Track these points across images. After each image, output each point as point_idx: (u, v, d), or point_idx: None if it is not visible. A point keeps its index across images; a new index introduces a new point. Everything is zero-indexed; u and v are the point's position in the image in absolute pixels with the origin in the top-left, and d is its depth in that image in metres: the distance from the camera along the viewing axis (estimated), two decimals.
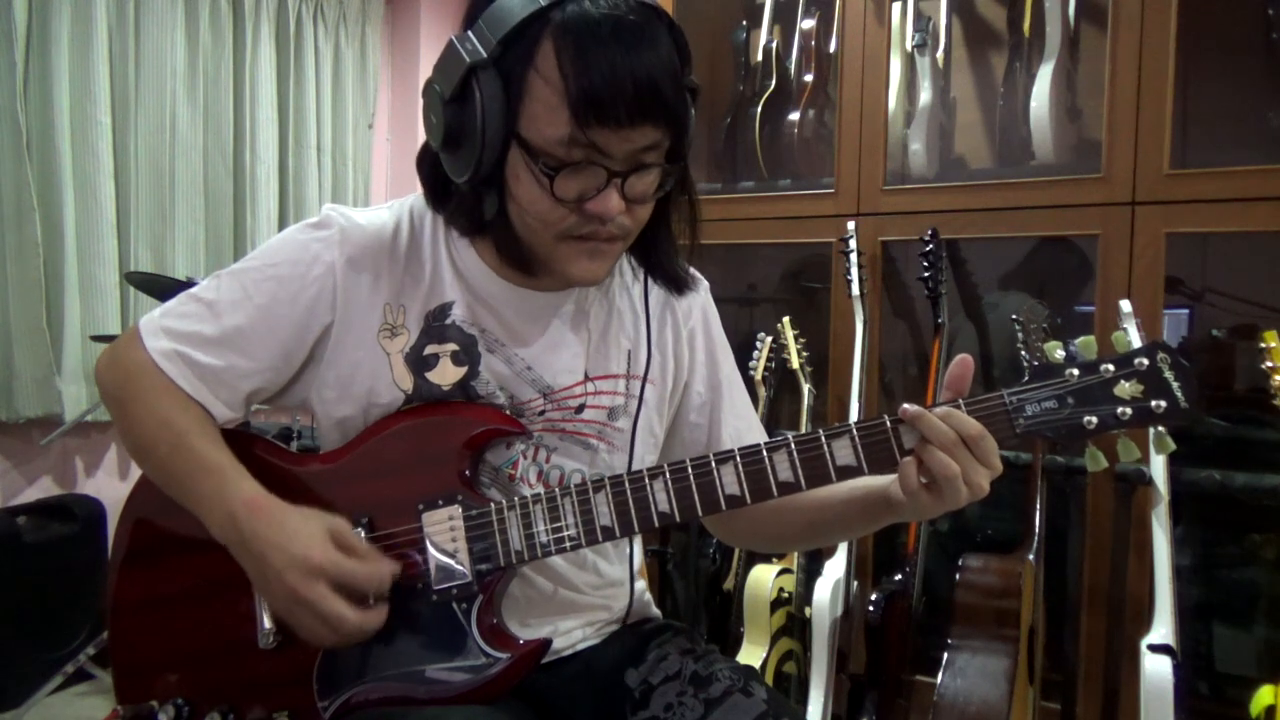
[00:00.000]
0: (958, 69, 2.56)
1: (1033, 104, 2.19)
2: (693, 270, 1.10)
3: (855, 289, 2.23)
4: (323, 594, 0.85)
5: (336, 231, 0.97)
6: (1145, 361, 0.84)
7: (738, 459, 0.89)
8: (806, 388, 2.40)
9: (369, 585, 0.88)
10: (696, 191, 0.99)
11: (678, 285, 1.06)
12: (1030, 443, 1.98)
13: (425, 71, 0.97)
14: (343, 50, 3.42)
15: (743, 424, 1.12)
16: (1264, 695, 1.69)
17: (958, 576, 1.91)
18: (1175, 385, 0.84)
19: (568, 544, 0.92)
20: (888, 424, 0.87)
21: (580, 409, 1.02)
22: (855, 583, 2.25)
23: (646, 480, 0.90)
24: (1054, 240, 2.30)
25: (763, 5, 2.69)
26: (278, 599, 0.88)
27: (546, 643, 0.94)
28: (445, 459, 0.95)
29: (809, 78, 2.60)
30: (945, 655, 1.84)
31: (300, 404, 1.02)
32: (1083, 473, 2.05)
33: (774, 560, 2.34)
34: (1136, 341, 0.95)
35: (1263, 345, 1.73)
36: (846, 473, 0.88)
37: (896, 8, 2.34)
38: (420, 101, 0.93)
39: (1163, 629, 1.74)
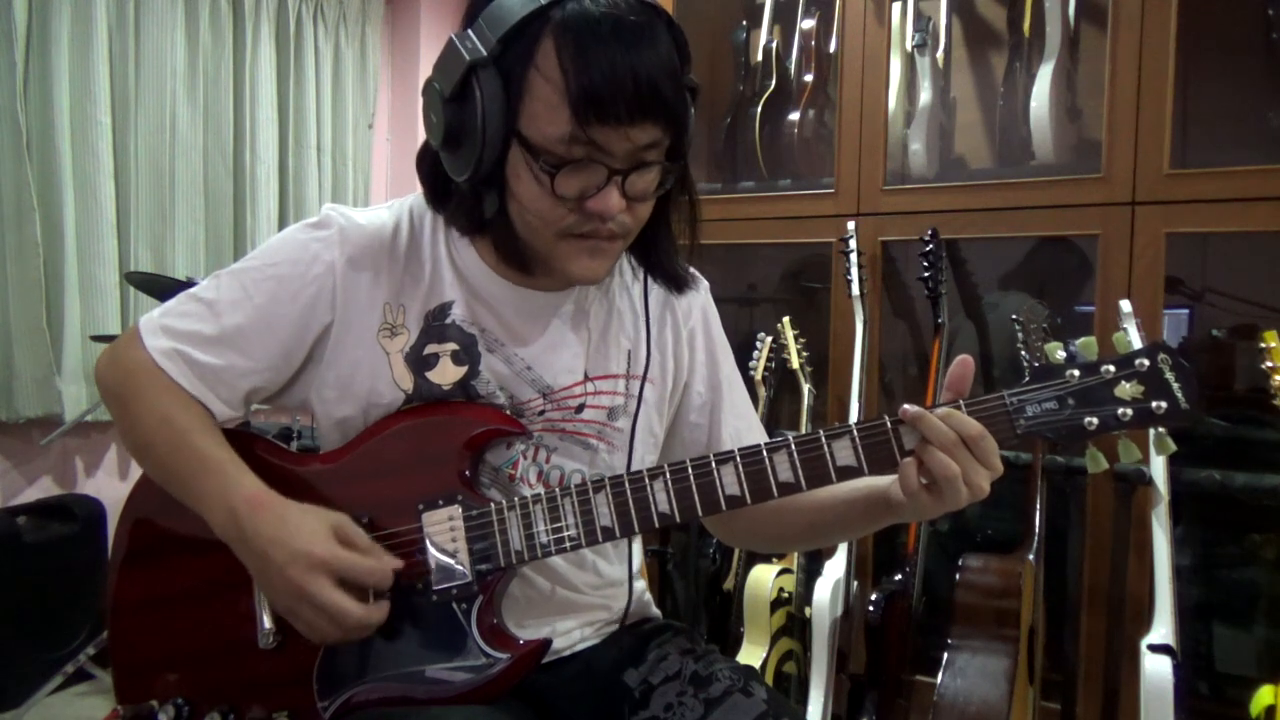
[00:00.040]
0: (958, 69, 2.56)
1: (1033, 104, 2.19)
2: (693, 270, 1.10)
3: (855, 289, 2.23)
4: (326, 588, 0.85)
5: (336, 231, 0.97)
6: (1146, 362, 0.84)
7: (738, 459, 0.89)
8: (806, 388, 2.40)
9: (372, 579, 0.88)
10: (697, 191, 0.99)
11: (677, 284, 1.06)
12: (1030, 443, 1.98)
13: (425, 71, 0.97)
14: (343, 50, 3.42)
15: (743, 424, 1.12)
16: (1264, 695, 1.69)
17: (958, 576, 1.91)
18: (1176, 386, 0.84)
19: (568, 544, 0.92)
20: (888, 424, 0.87)
21: (580, 409, 1.02)
22: (855, 583, 2.25)
23: (646, 481, 0.90)
24: (1054, 240, 2.30)
25: (763, 5, 2.69)
26: (280, 594, 0.88)
27: (546, 643, 0.94)
28: (445, 459, 0.95)
29: (809, 78, 2.60)
30: (945, 655, 1.84)
31: (300, 404, 1.02)
32: (1083, 473, 2.04)
33: (774, 560, 2.34)
34: (1137, 342, 0.95)
35: (1263, 345, 1.73)
36: (847, 473, 0.88)
37: (896, 8, 2.34)
38: (420, 101, 0.93)
39: (1163, 629, 1.74)
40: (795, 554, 2.33)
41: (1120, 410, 0.84)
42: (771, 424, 2.48)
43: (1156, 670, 1.70)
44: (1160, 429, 0.86)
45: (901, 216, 2.29)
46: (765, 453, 0.89)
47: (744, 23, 2.79)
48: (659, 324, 1.08)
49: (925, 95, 2.39)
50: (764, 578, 2.27)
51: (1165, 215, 1.98)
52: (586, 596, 1.06)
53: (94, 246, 2.68)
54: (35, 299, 2.55)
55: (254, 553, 0.88)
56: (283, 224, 3.17)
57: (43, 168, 2.58)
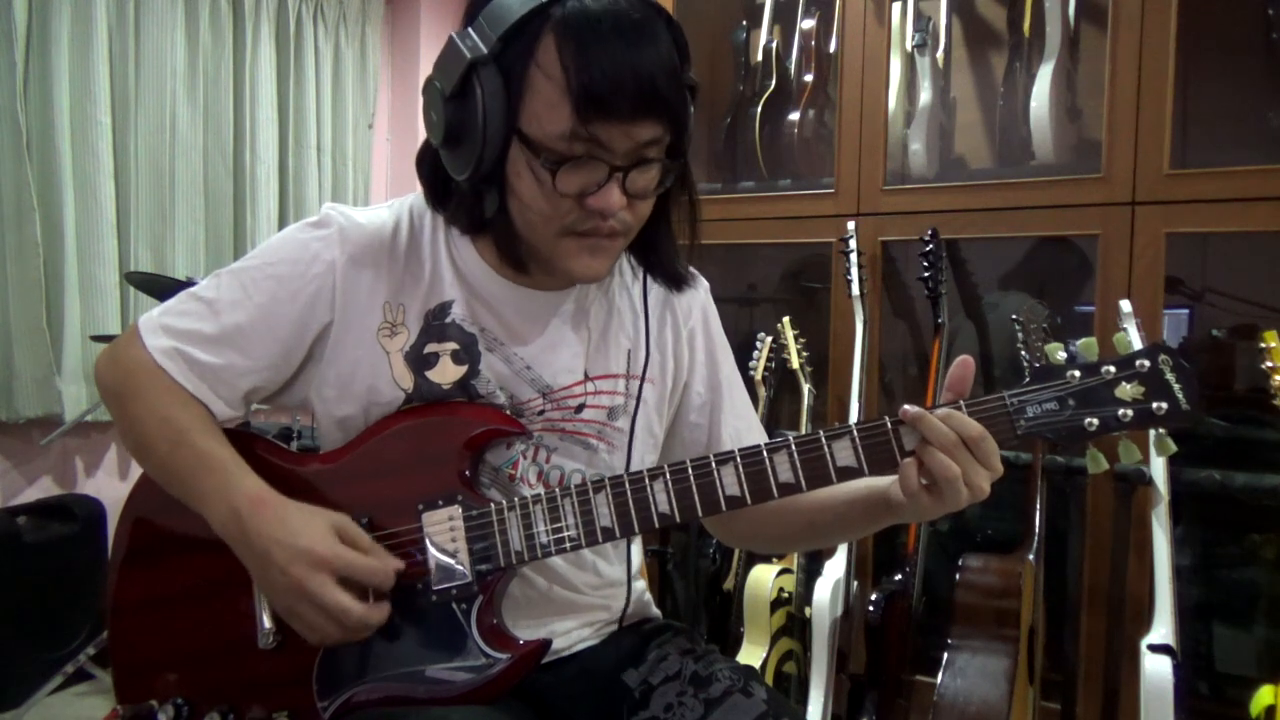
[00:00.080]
0: (958, 69, 2.56)
1: (1033, 104, 2.19)
2: (693, 270, 1.10)
3: (855, 289, 2.23)
4: (328, 587, 0.85)
5: (336, 230, 0.97)
6: (1146, 363, 0.84)
7: (738, 460, 0.89)
8: (806, 388, 2.40)
9: (374, 579, 0.88)
10: (697, 190, 1.00)
11: (677, 282, 1.06)
12: (1030, 443, 1.97)
13: (425, 71, 0.97)
14: (343, 50, 3.42)
15: (743, 424, 1.12)
16: (1264, 695, 1.69)
17: (958, 576, 1.91)
18: (1176, 387, 0.84)
19: (568, 544, 0.92)
20: (888, 425, 0.86)
21: (580, 408, 1.02)
22: (855, 583, 2.25)
23: (646, 481, 0.90)
24: (1054, 240, 2.30)
25: (763, 5, 2.69)
26: (280, 594, 0.88)
27: (546, 643, 0.94)
28: (445, 459, 0.95)
29: (809, 78, 2.60)
30: (945, 655, 1.84)
31: (300, 403, 1.02)
32: (1083, 473, 2.04)
33: (774, 560, 2.34)
34: (1137, 342, 0.95)
35: (1263, 345, 1.73)
36: (847, 474, 0.88)
37: (896, 8, 2.34)
38: (420, 101, 0.93)
39: (1163, 629, 1.74)
40: (795, 554, 2.33)
41: (1121, 411, 0.84)
42: (771, 424, 2.48)
43: (1156, 670, 1.70)
44: (1161, 430, 0.86)
45: (901, 216, 2.28)
46: (765, 453, 0.88)
47: (744, 23, 2.79)
48: (659, 323, 1.08)
49: (925, 95, 2.39)
50: (764, 578, 2.27)
51: (1165, 215, 1.98)
52: (586, 597, 1.06)
53: (94, 246, 2.67)
54: (35, 299, 2.55)
55: (255, 552, 0.88)
56: (283, 224, 3.17)
57: (43, 168, 2.58)
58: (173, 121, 2.86)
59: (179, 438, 0.93)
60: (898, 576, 2.12)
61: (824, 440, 0.88)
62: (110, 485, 2.86)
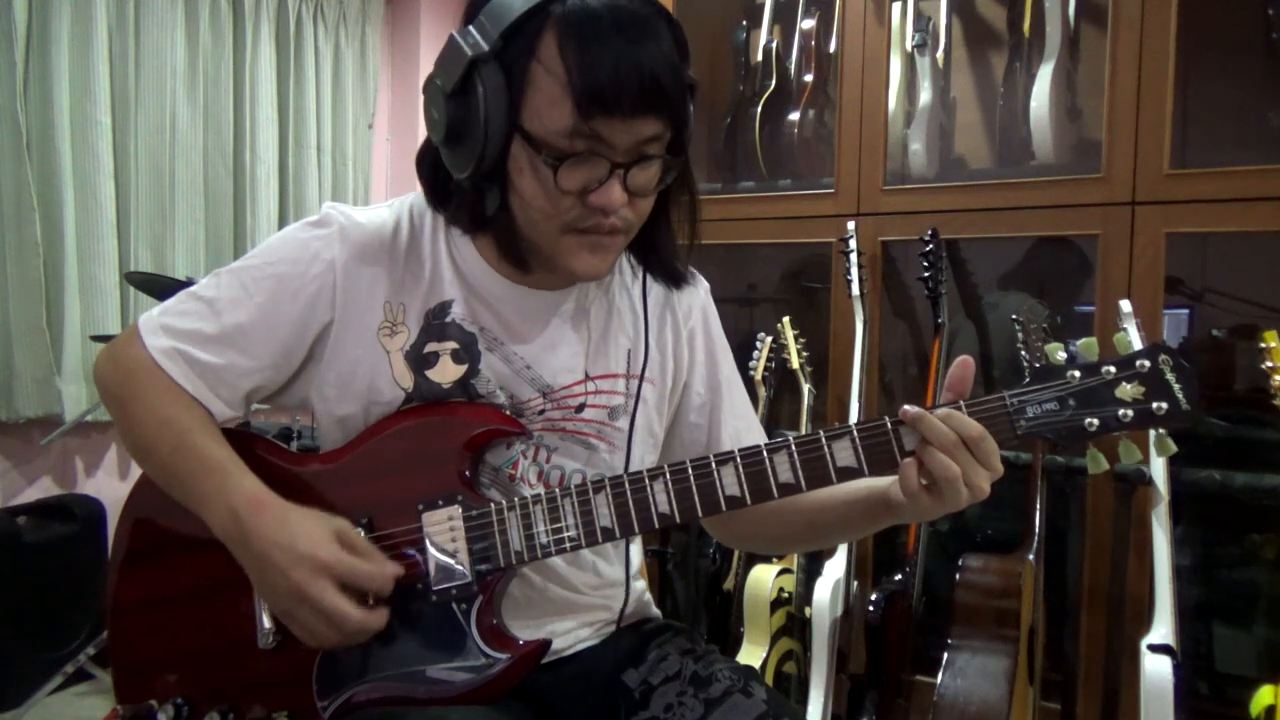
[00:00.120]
0: (958, 69, 2.56)
1: (1033, 104, 2.19)
2: (692, 270, 1.10)
3: (855, 289, 2.23)
4: (328, 591, 0.85)
5: (336, 230, 0.97)
6: (1146, 363, 0.84)
7: (738, 460, 0.89)
8: (806, 388, 2.40)
9: (373, 584, 0.88)
10: (697, 188, 1.00)
11: (676, 280, 1.06)
12: (1030, 443, 1.97)
13: (425, 71, 0.97)
14: (343, 50, 3.42)
15: (742, 425, 1.12)
16: (1264, 695, 1.69)
17: (958, 576, 1.91)
18: (1177, 387, 0.84)
19: (568, 545, 0.91)
20: (888, 425, 0.86)
21: (580, 408, 1.02)
22: (855, 583, 2.25)
23: (646, 481, 0.90)
24: (1054, 240, 2.30)
25: (763, 5, 2.69)
26: (279, 597, 0.88)
27: (546, 643, 0.94)
28: (445, 459, 0.94)
29: (809, 78, 2.60)
30: (945, 655, 1.84)
31: (301, 403, 1.02)
32: (1083, 473, 2.04)
33: (774, 560, 2.34)
34: (1137, 342, 0.95)
35: (1263, 345, 1.73)
36: (847, 474, 0.88)
37: (896, 8, 2.34)
38: (420, 101, 0.93)
39: (1163, 629, 1.74)
40: (795, 554, 2.33)
41: (1121, 411, 0.84)
42: (771, 424, 2.48)
43: (1156, 670, 1.70)
44: (1161, 430, 0.86)
45: (901, 216, 2.28)
46: (765, 453, 0.88)
47: (744, 23, 2.79)
48: (658, 323, 1.08)
49: (925, 95, 2.39)
50: (764, 578, 2.27)
51: (1165, 215, 1.98)
52: (586, 597, 1.06)
53: (94, 246, 2.68)
54: (35, 299, 2.55)
55: (254, 554, 0.88)
56: (283, 224, 3.16)
57: (43, 168, 2.58)
58: (173, 121, 2.86)
59: (179, 439, 0.93)
60: (898, 576, 2.12)
61: (824, 440, 0.88)
62: (110, 485, 2.86)
